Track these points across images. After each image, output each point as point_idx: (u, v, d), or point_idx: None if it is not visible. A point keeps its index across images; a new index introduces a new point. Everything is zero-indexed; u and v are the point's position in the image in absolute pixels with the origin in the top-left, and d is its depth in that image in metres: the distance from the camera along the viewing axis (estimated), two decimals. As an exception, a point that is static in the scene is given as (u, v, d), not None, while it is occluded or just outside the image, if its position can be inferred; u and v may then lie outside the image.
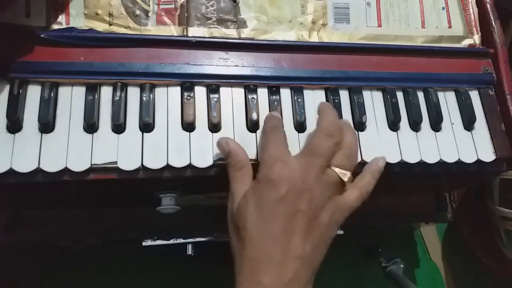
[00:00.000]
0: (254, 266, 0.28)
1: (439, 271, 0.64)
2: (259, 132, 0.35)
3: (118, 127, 0.33)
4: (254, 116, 0.35)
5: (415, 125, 0.38)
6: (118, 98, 0.33)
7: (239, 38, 0.37)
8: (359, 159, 0.36)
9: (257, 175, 0.30)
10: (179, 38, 0.36)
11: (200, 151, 0.33)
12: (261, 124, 0.35)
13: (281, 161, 0.29)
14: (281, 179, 0.28)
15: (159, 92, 0.35)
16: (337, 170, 0.30)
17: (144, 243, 0.42)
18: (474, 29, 0.42)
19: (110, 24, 0.35)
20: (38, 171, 0.31)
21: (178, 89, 0.35)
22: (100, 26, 0.35)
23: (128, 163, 0.32)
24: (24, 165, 0.31)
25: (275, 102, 0.36)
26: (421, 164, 0.37)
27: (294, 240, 0.28)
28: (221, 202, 0.45)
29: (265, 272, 0.27)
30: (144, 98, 0.34)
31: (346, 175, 0.31)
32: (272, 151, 0.30)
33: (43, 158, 0.31)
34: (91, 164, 0.31)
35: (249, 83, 0.36)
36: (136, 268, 0.54)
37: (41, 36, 0.33)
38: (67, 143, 0.32)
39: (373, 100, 0.38)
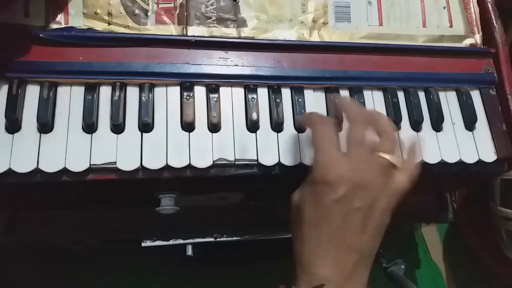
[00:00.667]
0: (313, 259, 0.29)
1: (440, 272, 0.64)
2: (259, 132, 0.35)
3: (117, 127, 0.33)
4: (254, 116, 0.35)
5: (416, 125, 0.38)
6: (117, 98, 0.33)
7: (239, 38, 0.37)
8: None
9: (312, 175, 0.30)
10: (179, 38, 0.36)
11: (199, 151, 0.33)
12: (261, 124, 0.35)
13: (336, 160, 0.29)
14: (338, 180, 0.29)
15: (159, 92, 0.35)
16: (386, 156, 0.30)
17: (143, 244, 0.42)
18: (475, 28, 0.42)
19: (109, 24, 0.35)
20: (37, 171, 0.31)
21: (177, 89, 0.35)
22: (99, 26, 0.35)
23: (127, 164, 0.32)
24: (23, 165, 0.30)
25: (276, 102, 0.36)
26: (422, 164, 0.37)
27: (351, 235, 0.29)
28: (220, 202, 0.44)
29: (323, 264, 0.28)
30: (143, 98, 0.34)
31: (395, 159, 0.31)
32: (327, 150, 0.30)
33: (42, 158, 0.31)
34: (90, 165, 0.31)
35: (249, 83, 0.36)
36: (135, 268, 0.54)
37: (40, 35, 0.33)
38: (66, 143, 0.32)
39: (374, 100, 0.38)
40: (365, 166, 0.29)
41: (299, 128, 0.36)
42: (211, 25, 0.37)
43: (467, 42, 0.42)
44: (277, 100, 0.36)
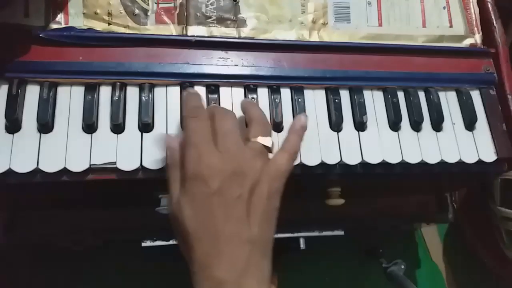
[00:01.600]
0: (206, 262, 0.27)
1: (440, 272, 0.64)
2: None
3: (117, 127, 0.33)
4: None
5: (416, 125, 0.38)
6: (117, 98, 0.33)
7: (239, 38, 0.37)
8: (359, 160, 0.35)
9: (183, 172, 0.28)
10: (179, 38, 0.36)
11: (199, 151, 0.33)
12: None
13: (207, 152, 0.28)
14: (210, 173, 0.27)
15: (159, 92, 0.35)
16: (258, 139, 0.30)
17: (143, 244, 0.42)
18: (475, 28, 0.42)
19: (109, 24, 0.35)
20: (37, 171, 0.31)
21: (177, 89, 0.35)
22: (99, 26, 0.35)
23: (127, 164, 0.32)
24: (23, 165, 0.30)
25: (275, 102, 0.36)
26: (422, 164, 0.37)
27: (238, 227, 0.27)
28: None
29: (217, 265, 0.26)
30: (143, 98, 0.34)
31: (267, 141, 0.30)
32: (196, 143, 0.28)
33: (42, 158, 0.31)
34: (90, 165, 0.31)
35: (249, 83, 0.36)
36: (135, 268, 0.54)
37: (40, 35, 0.33)
38: (66, 143, 0.32)
39: (374, 100, 0.38)
40: (237, 154, 0.28)
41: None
42: (211, 25, 0.37)
43: (467, 42, 0.42)
44: (277, 100, 0.36)
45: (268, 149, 0.30)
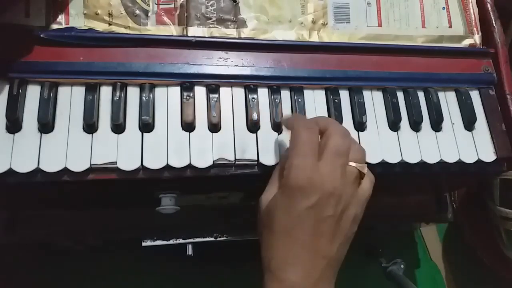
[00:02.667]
0: (283, 265, 0.28)
1: (440, 272, 0.64)
2: (259, 132, 0.35)
3: (118, 127, 0.33)
4: (255, 116, 0.35)
5: (415, 125, 0.38)
6: (117, 98, 0.33)
7: (239, 38, 0.37)
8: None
9: (286, 178, 0.29)
10: (179, 38, 0.36)
11: (200, 151, 0.33)
12: (262, 124, 0.35)
13: (311, 166, 0.29)
14: (312, 187, 0.28)
15: (159, 92, 0.35)
16: (355, 165, 0.31)
17: (144, 244, 0.42)
18: (475, 29, 0.42)
19: (110, 24, 0.35)
20: (37, 171, 0.31)
21: (177, 89, 0.35)
22: (100, 26, 0.35)
23: (128, 163, 0.32)
24: (24, 165, 0.31)
25: (275, 102, 0.36)
26: (422, 164, 0.37)
27: (321, 243, 0.29)
28: (220, 202, 0.45)
29: (294, 271, 0.28)
30: (144, 98, 0.34)
31: (364, 167, 0.31)
32: (305, 154, 0.29)
33: (42, 158, 0.31)
34: (91, 164, 0.31)
35: (249, 83, 0.36)
36: (135, 268, 0.54)
37: (41, 36, 0.33)
38: (67, 143, 0.32)
39: (374, 100, 0.38)
40: (339, 175, 0.29)
41: None
42: (211, 25, 0.37)
43: (467, 42, 0.42)
44: (277, 100, 0.36)
45: (362, 176, 0.31)
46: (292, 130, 0.31)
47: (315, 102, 0.37)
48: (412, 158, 0.37)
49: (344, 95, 0.38)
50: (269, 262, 0.29)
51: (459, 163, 0.37)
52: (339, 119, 0.36)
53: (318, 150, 0.30)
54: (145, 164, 0.32)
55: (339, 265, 0.31)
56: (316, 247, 0.29)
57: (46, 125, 0.32)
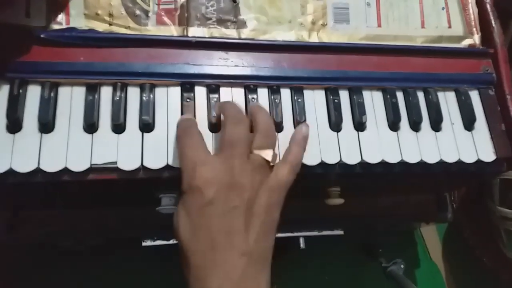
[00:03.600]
0: (200, 274, 0.26)
1: (440, 272, 0.64)
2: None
3: (118, 127, 0.33)
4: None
5: (415, 125, 0.38)
6: (118, 98, 0.33)
7: (239, 38, 0.37)
8: (359, 159, 0.36)
9: (182, 185, 0.28)
10: (179, 38, 0.36)
11: (200, 151, 0.33)
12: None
13: (201, 164, 0.28)
14: (206, 183, 0.27)
15: (159, 92, 0.35)
16: (259, 152, 0.29)
17: (144, 243, 0.42)
18: (474, 29, 0.42)
19: (110, 24, 0.35)
20: (37, 171, 0.31)
21: (178, 89, 0.35)
22: (100, 26, 0.35)
23: (128, 163, 0.32)
24: (24, 165, 0.31)
25: (275, 102, 0.36)
26: (421, 164, 0.37)
27: (234, 239, 0.27)
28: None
29: (211, 277, 0.26)
30: (144, 98, 0.34)
31: (268, 154, 0.30)
32: (189, 155, 0.29)
33: (42, 158, 0.31)
34: (91, 164, 0.31)
35: (249, 83, 0.36)
36: (135, 268, 0.54)
37: (41, 36, 0.33)
38: (67, 143, 0.32)
39: (373, 100, 0.38)
40: (237, 164, 0.28)
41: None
42: (211, 26, 0.37)
43: (466, 42, 0.42)
44: (277, 100, 0.36)
45: (268, 162, 0.30)
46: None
47: (315, 102, 0.37)
48: (412, 158, 0.37)
49: (344, 95, 0.38)
50: (188, 276, 0.27)
51: (459, 163, 0.37)
52: (339, 119, 0.36)
53: (204, 146, 0.29)
54: (145, 164, 0.32)
55: (265, 258, 0.28)
56: (229, 244, 0.27)
57: (46, 125, 0.32)
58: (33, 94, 0.33)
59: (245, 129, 0.30)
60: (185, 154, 0.29)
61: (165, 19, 0.36)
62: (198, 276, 0.27)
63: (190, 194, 0.28)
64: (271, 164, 0.30)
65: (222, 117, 0.33)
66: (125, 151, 0.32)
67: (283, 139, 0.35)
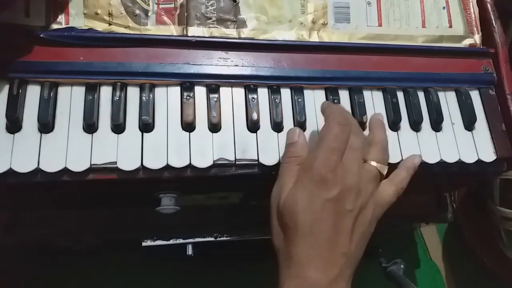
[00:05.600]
0: (303, 261, 0.28)
1: (440, 272, 0.64)
2: (259, 132, 0.35)
3: (118, 127, 0.33)
4: (255, 116, 0.35)
5: (415, 125, 0.38)
6: (117, 98, 0.33)
7: (239, 38, 0.37)
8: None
9: (309, 170, 0.29)
10: (179, 38, 0.36)
11: (200, 151, 0.33)
12: (262, 124, 0.35)
13: (336, 160, 0.29)
14: (334, 179, 0.28)
15: (159, 92, 0.35)
16: (375, 164, 0.31)
17: (143, 243, 0.42)
18: (475, 28, 0.42)
19: (110, 24, 0.35)
20: (37, 171, 0.31)
21: (177, 89, 0.35)
22: (100, 26, 0.35)
23: (128, 163, 0.32)
24: (24, 165, 0.31)
25: (275, 102, 0.36)
26: (422, 164, 0.37)
27: (341, 238, 0.29)
28: (220, 202, 0.45)
29: (313, 267, 0.28)
30: (144, 98, 0.34)
31: (384, 168, 0.32)
32: (333, 147, 0.29)
33: (42, 158, 0.31)
34: (91, 164, 0.31)
35: (249, 83, 0.36)
36: (135, 268, 0.54)
37: (41, 36, 0.33)
38: (67, 143, 0.32)
39: (374, 100, 0.38)
40: (357, 171, 0.30)
41: (300, 128, 0.36)
42: (211, 25, 0.37)
43: (467, 42, 0.42)
44: (277, 100, 0.36)
45: (382, 177, 0.31)
46: (326, 121, 0.31)
47: (315, 102, 0.37)
48: (412, 158, 0.37)
49: (344, 95, 0.38)
50: (289, 259, 0.28)
51: (459, 163, 0.37)
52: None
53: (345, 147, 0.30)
54: (145, 164, 0.32)
55: (356, 264, 0.30)
56: (336, 243, 0.28)
57: (46, 125, 0.32)
58: (33, 94, 0.33)
59: (364, 137, 0.32)
60: (331, 144, 0.29)
61: (165, 18, 0.36)
62: (300, 262, 0.28)
63: (317, 183, 0.28)
64: (382, 180, 0.32)
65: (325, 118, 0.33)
66: (125, 151, 0.32)
67: (283, 139, 0.35)
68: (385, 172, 0.32)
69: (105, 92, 0.34)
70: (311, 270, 0.28)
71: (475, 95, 0.40)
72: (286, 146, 0.32)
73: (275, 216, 0.31)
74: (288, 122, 0.36)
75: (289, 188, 0.30)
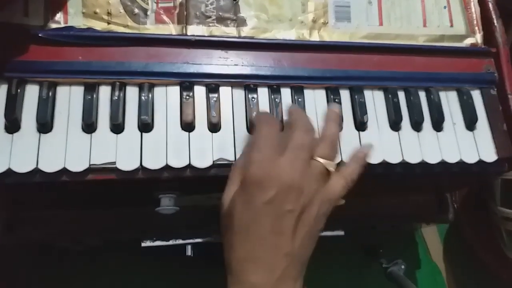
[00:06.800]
0: (243, 266, 0.28)
1: (440, 272, 0.64)
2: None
3: (117, 127, 0.33)
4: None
5: (416, 125, 0.38)
6: (116, 98, 0.33)
7: (239, 37, 0.37)
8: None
9: (245, 174, 0.29)
10: (178, 37, 0.36)
11: (199, 151, 0.33)
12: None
13: (269, 160, 0.29)
14: (269, 181, 0.28)
15: (158, 91, 0.34)
16: (321, 160, 0.30)
17: (143, 244, 0.42)
18: (476, 28, 0.42)
19: (109, 23, 0.35)
20: (36, 171, 0.31)
21: (177, 89, 0.35)
22: (99, 25, 0.35)
23: (127, 163, 0.32)
24: (22, 165, 0.30)
25: (275, 102, 0.36)
26: (423, 164, 0.37)
27: (282, 239, 0.28)
28: (220, 203, 0.44)
29: (254, 271, 0.27)
30: (143, 98, 0.34)
31: (331, 165, 0.30)
32: (261, 147, 0.29)
33: (41, 158, 0.31)
34: (90, 165, 0.31)
35: (249, 83, 0.36)
36: (135, 269, 0.54)
37: (39, 35, 0.33)
38: (66, 143, 0.32)
39: (375, 100, 0.38)
40: (299, 169, 0.29)
41: None
42: (210, 24, 0.37)
43: (468, 41, 0.42)
44: (277, 100, 0.36)
45: (328, 173, 0.31)
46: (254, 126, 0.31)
47: (316, 102, 0.37)
48: (413, 158, 0.36)
49: (345, 95, 0.37)
50: (230, 264, 0.28)
51: (460, 163, 0.37)
52: (340, 118, 0.36)
53: (280, 145, 0.30)
54: (144, 164, 0.32)
55: (304, 263, 0.29)
56: (276, 245, 0.28)
57: (44, 125, 0.32)
58: (31, 93, 0.32)
59: (314, 138, 0.31)
60: (259, 144, 0.29)
61: (164, 17, 0.36)
62: (241, 267, 0.28)
63: (251, 186, 0.28)
64: (330, 176, 0.31)
65: (288, 120, 0.33)
66: (124, 151, 0.32)
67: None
68: (332, 168, 0.30)
69: (104, 92, 0.34)
70: (250, 275, 0.27)
71: (476, 95, 0.40)
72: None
73: (221, 220, 0.30)
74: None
75: (231, 193, 0.30)
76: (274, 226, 0.28)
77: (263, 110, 0.35)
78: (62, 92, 0.33)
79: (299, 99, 0.36)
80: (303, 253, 0.29)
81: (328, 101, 0.37)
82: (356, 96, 0.37)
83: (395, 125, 0.37)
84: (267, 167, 0.28)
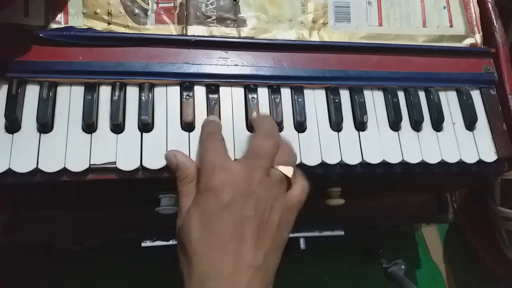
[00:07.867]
0: (204, 283, 0.26)
1: (440, 272, 0.64)
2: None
3: (117, 127, 0.33)
4: (255, 116, 0.35)
5: (416, 125, 0.38)
6: (117, 98, 0.33)
7: (239, 37, 0.37)
8: (359, 159, 0.35)
9: (198, 186, 0.28)
10: (179, 37, 0.36)
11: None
12: (261, 124, 0.35)
13: (221, 167, 0.28)
14: (223, 186, 0.27)
15: (158, 91, 0.35)
16: (280, 167, 0.30)
17: (143, 244, 0.42)
18: (476, 28, 0.42)
19: (109, 23, 0.35)
20: (36, 171, 0.31)
21: (177, 89, 0.35)
22: (99, 25, 0.35)
23: (127, 163, 0.32)
24: (23, 165, 0.30)
25: (275, 102, 0.36)
26: (423, 164, 0.37)
27: (244, 249, 0.26)
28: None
29: (215, 286, 0.26)
30: (143, 98, 0.34)
31: (289, 171, 0.30)
32: (210, 158, 0.29)
33: (41, 158, 0.31)
34: (90, 164, 0.31)
35: (249, 83, 0.36)
36: (135, 269, 0.54)
37: (40, 35, 0.33)
38: (66, 143, 0.32)
39: (374, 100, 0.38)
40: (257, 175, 0.28)
41: (299, 128, 0.35)
42: (211, 24, 0.37)
43: (467, 42, 0.42)
44: (277, 100, 0.36)
45: (288, 180, 0.30)
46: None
47: (316, 102, 0.37)
48: (413, 158, 0.36)
49: (345, 95, 0.37)
50: (190, 282, 0.26)
51: (460, 163, 0.37)
52: (340, 118, 0.36)
53: (225, 151, 0.29)
54: (145, 164, 0.32)
55: (270, 275, 0.28)
56: (238, 254, 0.26)
57: (45, 125, 0.32)
58: (32, 93, 0.33)
59: (274, 145, 0.30)
60: (206, 156, 0.29)
61: (164, 17, 0.36)
62: (201, 284, 0.26)
63: (206, 195, 0.27)
64: (291, 183, 0.30)
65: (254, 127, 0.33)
66: (124, 151, 0.32)
67: (284, 138, 0.35)
68: (290, 174, 0.30)
69: (104, 92, 0.34)
70: None
71: (476, 95, 0.40)
72: (172, 173, 0.31)
73: (177, 241, 0.29)
74: (288, 122, 0.35)
75: (185, 208, 0.28)
76: (235, 232, 0.26)
77: (212, 116, 0.34)
78: (63, 92, 0.33)
79: (299, 99, 0.36)
80: (268, 264, 0.27)
81: (328, 101, 0.37)
82: (356, 96, 0.37)
83: (394, 125, 0.37)
84: (218, 174, 0.27)
